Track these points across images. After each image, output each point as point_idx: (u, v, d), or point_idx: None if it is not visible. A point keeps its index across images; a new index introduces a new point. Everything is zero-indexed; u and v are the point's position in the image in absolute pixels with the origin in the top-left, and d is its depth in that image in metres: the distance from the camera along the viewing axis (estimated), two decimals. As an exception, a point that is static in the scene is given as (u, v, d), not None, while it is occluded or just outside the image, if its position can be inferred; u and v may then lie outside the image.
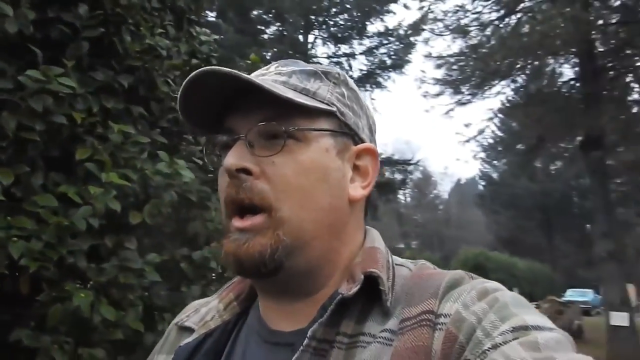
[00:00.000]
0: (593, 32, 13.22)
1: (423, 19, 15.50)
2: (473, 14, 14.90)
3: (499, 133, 28.20)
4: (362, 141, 0.75)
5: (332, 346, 0.63)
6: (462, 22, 14.75)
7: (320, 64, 0.74)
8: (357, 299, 0.65)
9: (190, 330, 0.77)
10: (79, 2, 1.90)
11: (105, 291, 1.84)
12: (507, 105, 16.83)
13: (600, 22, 13.87)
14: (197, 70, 0.65)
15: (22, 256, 1.61)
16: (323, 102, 0.70)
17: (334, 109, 0.71)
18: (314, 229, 0.67)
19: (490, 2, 14.88)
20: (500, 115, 18.07)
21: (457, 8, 14.99)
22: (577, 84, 14.65)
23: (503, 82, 14.68)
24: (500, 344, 0.53)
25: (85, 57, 1.93)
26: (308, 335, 0.62)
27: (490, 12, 15.06)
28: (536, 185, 33.66)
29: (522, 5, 14.89)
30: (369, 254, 0.71)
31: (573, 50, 13.75)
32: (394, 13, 21.17)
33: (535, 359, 0.49)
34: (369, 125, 0.78)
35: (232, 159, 0.65)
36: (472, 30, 14.47)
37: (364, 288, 0.65)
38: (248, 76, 0.64)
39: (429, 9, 15.13)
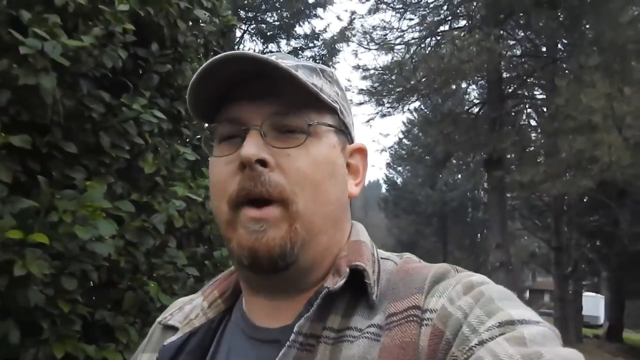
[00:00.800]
0: (502, 63, 14.65)
1: (349, 28, 16.33)
2: (399, 31, 15.95)
3: (406, 142, 29.83)
4: (353, 140, 0.77)
5: (319, 341, 0.62)
6: (388, 37, 15.75)
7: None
8: (344, 293, 0.65)
9: (174, 329, 0.76)
10: (152, 42, 2.29)
11: (159, 282, 2.25)
12: (421, 120, 18.02)
13: (508, 53, 15.38)
14: (225, 54, 0.63)
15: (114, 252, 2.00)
16: (329, 99, 0.70)
17: (337, 106, 0.72)
18: (323, 223, 0.67)
19: (414, 22, 16.01)
20: (414, 128, 19.26)
21: (385, 24, 15.98)
22: (484, 108, 16.10)
23: (421, 99, 15.78)
24: (486, 340, 0.52)
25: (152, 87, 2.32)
26: (294, 330, 0.61)
27: (413, 32, 16.20)
28: (436, 193, 35.66)
29: (442, 27, 16.16)
30: (354, 247, 0.71)
31: (483, 76, 15.15)
32: (322, 18, 21.82)
33: (522, 354, 0.49)
34: (353, 125, 0.79)
35: (252, 149, 0.63)
36: (396, 47, 15.51)
37: (349, 282, 0.65)
38: (284, 65, 0.64)
39: (354, 21, 16.02)
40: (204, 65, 0.64)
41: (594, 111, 9.99)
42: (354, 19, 16.17)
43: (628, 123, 10.16)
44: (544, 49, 15.82)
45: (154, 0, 2.16)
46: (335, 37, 19.40)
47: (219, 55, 0.63)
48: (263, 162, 0.63)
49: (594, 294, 29.91)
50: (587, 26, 13.05)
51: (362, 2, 16.19)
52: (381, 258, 0.72)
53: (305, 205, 0.65)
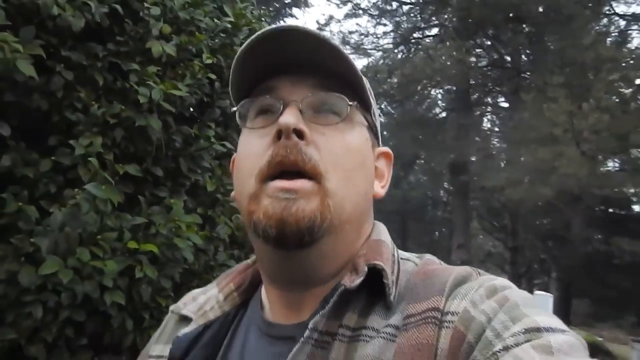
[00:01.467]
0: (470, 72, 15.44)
1: (323, 29, 16.87)
2: (374, 37, 16.56)
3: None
4: (379, 144, 0.77)
5: (335, 339, 0.61)
6: (364, 42, 16.36)
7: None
8: (361, 291, 0.64)
9: (187, 319, 0.76)
10: (215, 81, 2.73)
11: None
12: (392, 123, 18.68)
13: (476, 63, 16.18)
14: (285, 25, 0.63)
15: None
16: (371, 95, 0.71)
17: (373, 105, 0.73)
18: (351, 211, 0.66)
19: (389, 29, 16.64)
20: (385, 132, 19.87)
21: (361, 29, 16.58)
22: (451, 114, 16.89)
23: (393, 104, 16.45)
24: (511, 345, 0.51)
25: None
26: (309, 326, 0.61)
27: (387, 38, 16.85)
28: (398, 192, 36.47)
29: (415, 34, 16.84)
30: (374, 246, 0.69)
31: (452, 83, 15.92)
32: (297, 18, 22.26)
33: None
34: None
35: (292, 118, 0.62)
36: (372, 52, 16.14)
37: (367, 280, 0.63)
38: (335, 42, 0.64)
39: (329, 24, 16.57)
40: (256, 34, 0.64)
41: (556, 125, 10.79)
42: (329, 22, 16.73)
43: (585, 137, 11.01)
44: (508, 58, 16.68)
45: (223, 49, 2.61)
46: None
47: (272, 27, 0.63)
48: (300, 134, 0.63)
49: (543, 292, 31.21)
50: (551, 44, 13.90)
51: (339, 7, 16.69)
52: (401, 259, 0.71)
53: (337, 186, 0.64)
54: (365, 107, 0.72)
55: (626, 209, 20.83)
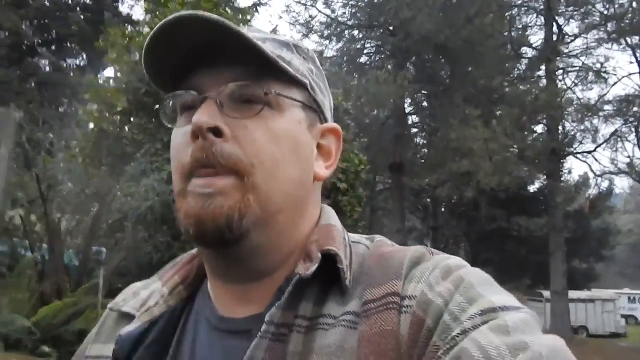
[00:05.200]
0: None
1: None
2: (326, 59, 19.85)
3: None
4: (327, 121, 0.73)
5: (292, 330, 0.60)
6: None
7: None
8: (315, 278, 0.62)
9: (129, 316, 0.71)
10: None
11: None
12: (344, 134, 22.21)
13: (411, 82, 19.99)
14: (178, 14, 0.59)
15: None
16: (297, 73, 0.67)
17: (307, 81, 0.69)
18: (282, 201, 0.64)
19: (338, 54, 19.95)
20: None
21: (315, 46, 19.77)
22: (389, 123, 20.61)
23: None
24: (469, 329, 0.52)
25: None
26: (266, 320, 0.59)
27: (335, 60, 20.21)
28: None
29: (361, 59, 20.28)
30: (325, 231, 0.68)
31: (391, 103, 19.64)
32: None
33: (508, 344, 0.49)
34: (330, 107, 0.75)
35: (204, 116, 0.60)
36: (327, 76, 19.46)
37: (320, 267, 0.62)
38: (237, 27, 0.60)
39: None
40: (154, 29, 0.61)
41: (475, 142, 14.73)
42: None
43: (494, 149, 15.03)
44: (438, 79, 20.44)
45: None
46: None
47: (170, 17, 0.60)
48: (217, 132, 0.60)
49: (456, 264, 36.20)
50: (469, 77, 17.85)
51: (291, 30, 19.68)
52: (352, 242, 0.70)
53: (263, 180, 0.62)
54: (298, 85, 0.67)
55: (523, 189, 25.61)
